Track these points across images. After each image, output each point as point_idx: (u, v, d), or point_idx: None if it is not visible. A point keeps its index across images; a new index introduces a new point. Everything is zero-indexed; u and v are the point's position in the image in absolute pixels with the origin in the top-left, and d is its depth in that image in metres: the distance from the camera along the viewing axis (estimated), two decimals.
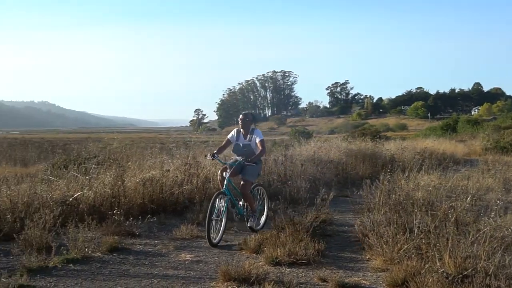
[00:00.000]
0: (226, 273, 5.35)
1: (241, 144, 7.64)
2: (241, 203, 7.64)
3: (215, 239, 6.95)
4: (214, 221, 6.93)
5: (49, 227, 6.54)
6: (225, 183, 7.24)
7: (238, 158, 7.51)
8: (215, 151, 7.64)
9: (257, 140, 7.53)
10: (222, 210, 7.04)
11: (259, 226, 7.91)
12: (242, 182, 7.43)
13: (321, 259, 6.25)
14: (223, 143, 7.91)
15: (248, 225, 7.76)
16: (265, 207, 8.19)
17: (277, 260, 6.02)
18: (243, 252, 6.67)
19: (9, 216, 7.21)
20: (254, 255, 6.49)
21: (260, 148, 7.48)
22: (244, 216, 7.69)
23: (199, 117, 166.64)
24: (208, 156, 7.60)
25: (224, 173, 7.33)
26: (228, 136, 7.89)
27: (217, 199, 6.99)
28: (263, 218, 8.07)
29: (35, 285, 5.19)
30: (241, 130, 7.75)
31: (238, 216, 7.69)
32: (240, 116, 7.82)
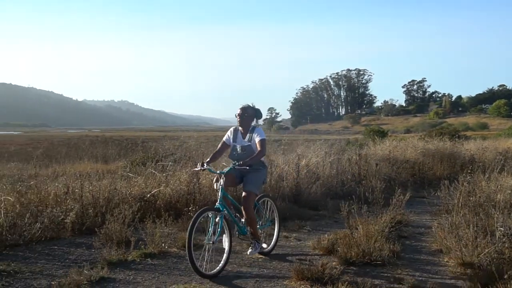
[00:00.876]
0: (300, 272, 5.34)
1: (238, 147, 6.21)
2: (243, 220, 6.15)
3: (209, 270, 5.51)
4: (206, 246, 5.60)
5: (128, 222, 6.78)
6: (218, 195, 5.85)
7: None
8: (207, 159, 6.15)
9: (257, 140, 6.07)
10: (217, 232, 5.59)
11: (268, 249, 6.49)
12: (243, 194, 6.04)
13: (396, 260, 6.11)
14: (218, 147, 6.40)
15: (248, 253, 6.23)
16: (276, 225, 6.75)
17: (351, 260, 5.94)
18: (317, 252, 6.63)
19: (91, 210, 7.55)
20: (328, 254, 6.44)
21: (259, 148, 6.04)
22: (247, 236, 6.22)
23: (272, 116, 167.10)
24: (197, 167, 6.06)
25: (216, 184, 5.95)
26: (224, 138, 6.40)
27: (201, 217, 5.54)
28: (273, 240, 6.65)
29: (115, 278, 5.39)
30: (240, 128, 6.32)
31: (241, 237, 6.26)
32: (238, 111, 6.23)
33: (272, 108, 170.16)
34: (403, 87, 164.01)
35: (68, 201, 7.60)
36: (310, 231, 7.84)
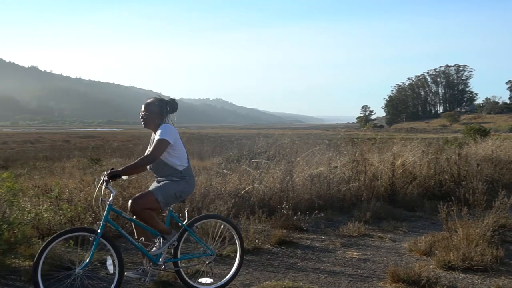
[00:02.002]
0: (395, 274, 5.21)
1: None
2: (157, 244, 4.73)
3: None
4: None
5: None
6: (104, 214, 4.53)
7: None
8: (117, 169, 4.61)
9: (155, 140, 4.65)
10: (88, 258, 4.48)
11: (217, 285, 5.06)
12: (137, 195, 4.81)
13: (499, 266, 5.79)
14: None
15: (153, 250, 4.72)
16: (237, 255, 5.22)
17: (450, 264, 5.71)
18: (413, 254, 6.43)
19: (187, 205, 7.77)
20: (425, 257, 6.23)
21: (150, 150, 4.67)
22: (151, 258, 4.70)
23: (366, 114, 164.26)
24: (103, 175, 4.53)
25: (103, 200, 4.58)
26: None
27: (57, 241, 4.40)
28: (231, 272, 5.17)
29: (211, 271, 5.52)
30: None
31: (155, 267, 4.73)
32: (141, 108, 4.86)
33: (366, 106, 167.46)
34: (507, 83, 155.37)
35: None
36: (406, 232, 7.63)
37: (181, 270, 4.91)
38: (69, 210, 6.60)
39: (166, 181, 4.72)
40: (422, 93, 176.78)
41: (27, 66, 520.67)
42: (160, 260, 4.70)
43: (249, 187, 8.55)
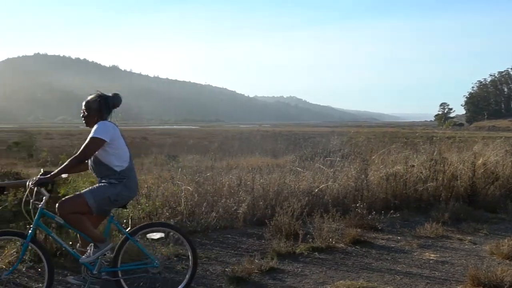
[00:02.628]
0: (475, 277, 5.00)
1: None
2: (87, 253, 4.37)
3: None
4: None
5: (297, 216, 6.91)
6: (35, 218, 4.28)
7: None
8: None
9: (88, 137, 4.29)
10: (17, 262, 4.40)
11: None
12: (65, 197, 4.46)
13: None
14: None
15: (82, 259, 4.35)
16: (189, 270, 4.74)
17: None
18: (494, 257, 6.16)
19: (261, 203, 7.84)
20: (507, 261, 5.95)
21: (81, 149, 4.28)
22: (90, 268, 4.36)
23: (445, 112, 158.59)
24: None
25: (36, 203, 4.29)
26: None
27: None
28: (182, 284, 4.72)
29: (284, 269, 5.54)
30: None
31: (88, 273, 4.38)
32: (83, 106, 4.50)
33: (445, 103, 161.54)
34: None
35: (241, 192, 7.96)
36: (487, 234, 7.32)
37: (122, 280, 4.46)
38: (147, 205, 6.81)
39: (102, 183, 4.32)
40: (506, 89, 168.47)
41: (108, 66, 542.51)
42: (96, 268, 4.33)
43: (323, 185, 8.49)
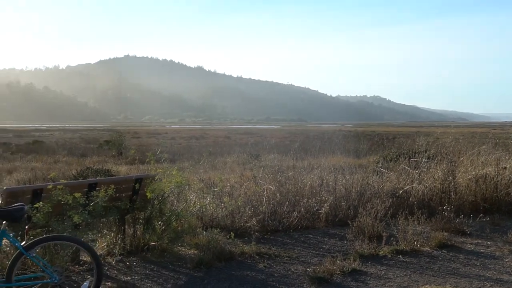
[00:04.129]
0: None
1: None
2: None
3: None
4: None
5: (380, 217, 6.78)
6: None
7: None
8: None
9: None
10: None
11: None
12: None
13: None
14: None
15: None
16: (94, 279, 4.31)
17: None
18: None
19: (343, 203, 7.76)
20: None
21: None
22: None
23: None
24: None
25: None
26: None
27: None
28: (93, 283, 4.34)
29: (367, 271, 5.44)
30: None
31: None
32: None
33: None
34: None
35: (323, 193, 7.92)
36: None
37: None
38: (230, 203, 6.91)
39: None
40: None
41: (193, 67, 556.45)
42: None
43: (408, 187, 8.28)
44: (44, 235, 4.55)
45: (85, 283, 4.18)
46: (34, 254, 4.10)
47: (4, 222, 4.02)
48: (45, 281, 4.17)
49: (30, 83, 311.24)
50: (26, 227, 4.35)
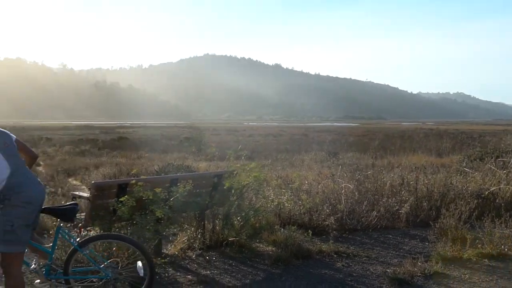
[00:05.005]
0: None
1: None
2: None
3: None
4: None
5: (464, 219, 6.51)
6: None
7: None
8: None
9: None
10: None
11: None
12: None
13: None
14: None
15: None
16: (146, 280, 4.21)
17: None
18: None
19: (425, 203, 7.53)
20: None
21: None
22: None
23: None
24: None
25: None
26: None
27: None
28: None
29: (449, 274, 5.24)
30: None
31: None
32: None
33: None
34: None
35: (403, 192, 7.73)
36: None
37: None
38: (308, 201, 6.88)
39: None
40: None
41: (271, 64, 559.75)
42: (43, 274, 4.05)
43: (494, 188, 7.90)
44: (99, 234, 4.73)
45: (139, 264, 4.20)
46: (88, 251, 4.19)
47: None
48: (98, 276, 4.26)
49: (116, 82, 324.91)
50: (80, 225, 4.56)
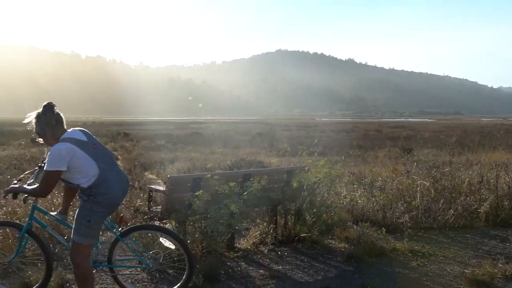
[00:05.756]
0: None
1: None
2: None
3: None
4: None
5: None
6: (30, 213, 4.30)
7: None
8: None
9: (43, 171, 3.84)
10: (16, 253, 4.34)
11: None
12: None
13: None
14: None
15: None
16: (186, 272, 4.27)
17: None
18: None
19: (506, 202, 7.22)
20: None
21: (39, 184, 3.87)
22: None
23: None
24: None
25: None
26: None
27: None
28: (183, 278, 4.33)
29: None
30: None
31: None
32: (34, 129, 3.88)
33: None
34: None
35: (482, 190, 7.44)
36: None
37: (118, 276, 4.39)
38: (381, 198, 6.77)
39: (77, 211, 3.86)
40: None
41: (344, 59, 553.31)
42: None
43: None
44: (141, 224, 5.15)
45: (161, 240, 4.30)
46: (129, 241, 4.32)
47: None
48: (138, 266, 4.50)
49: (190, 78, 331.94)
50: (122, 215, 4.83)
